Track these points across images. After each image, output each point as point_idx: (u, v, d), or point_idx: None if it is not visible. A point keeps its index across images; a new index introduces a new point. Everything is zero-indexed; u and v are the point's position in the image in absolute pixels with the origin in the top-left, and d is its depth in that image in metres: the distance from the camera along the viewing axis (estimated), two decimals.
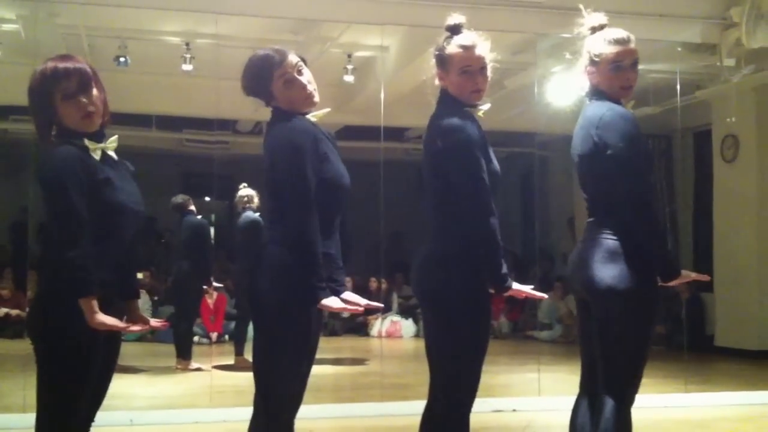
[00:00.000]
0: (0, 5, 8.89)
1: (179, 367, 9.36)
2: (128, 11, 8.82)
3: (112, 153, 3.37)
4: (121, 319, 3.36)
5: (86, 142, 3.27)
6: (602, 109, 3.75)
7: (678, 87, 9.16)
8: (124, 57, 9.70)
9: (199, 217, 9.64)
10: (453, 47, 3.70)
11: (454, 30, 3.73)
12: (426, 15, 8.18)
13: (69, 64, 3.27)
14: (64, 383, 3.16)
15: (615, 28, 3.89)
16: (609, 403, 3.66)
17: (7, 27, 9.18)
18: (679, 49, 9.37)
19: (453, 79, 3.70)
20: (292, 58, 3.59)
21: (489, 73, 3.74)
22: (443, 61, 3.73)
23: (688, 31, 9.28)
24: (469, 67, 3.67)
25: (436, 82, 3.79)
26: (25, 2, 8.49)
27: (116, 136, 3.40)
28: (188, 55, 9.70)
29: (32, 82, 3.28)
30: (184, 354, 9.45)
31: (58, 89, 3.23)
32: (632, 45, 3.84)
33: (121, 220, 3.28)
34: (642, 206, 3.66)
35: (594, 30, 3.92)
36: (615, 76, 3.80)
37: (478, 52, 3.68)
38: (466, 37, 3.70)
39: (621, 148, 3.63)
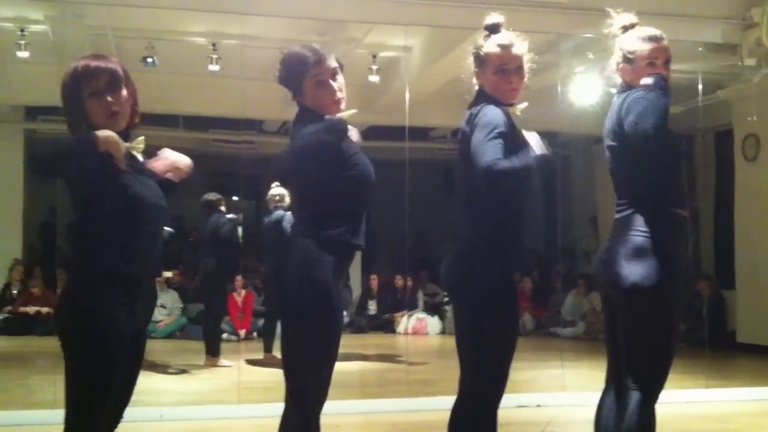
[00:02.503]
0: (28, 6, 9.00)
1: (208, 363, 9.46)
2: (155, 12, 8.91)
3: (137, 154, 3.41)
4: (147, 317, 3.43)
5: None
6: (629, 100, 3.70)
7: (699, 87, 9.18)
8: (152, 57, 9.80)
9: (229, 216, 9.72)
10: (490, 46, 3.76)
11: (493, 29, 3.79)
12: (450, 15, 8.23)
13: (101, 63, 3.33)
14: (91, 379, 3.19)
15: (646, 27, 3.93)
16: (634, 398, 3.70)
17: (35, 28, 9.28)
18: (700, 49, 9.38)
19: (489, 77, 3.76)
20: (331, 62, 3.67)
21: (525, 72, 3.80)
22: (480, 59, 3.79)
23: (709, 31, 9.30)
24: (506, 65, 3.72)
25: (474, 80, 3.85)
26: (52, 3, 8.60)
27: (143, 138, 3.45)
28: (215, 56, 9.79)
29: (64, 78, 3.34)
30: (212, 351, 9.54)
31: (87, 86, 3.28)
32: (666, 43, 3.87)
33: (142, 214, 3.30)
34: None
35: (626, 29, 3.96)
36: (650, 74, 3.80)
37: (515, 51, 3.74)
38: (503, 37, 3.76)
39: (649, 123, 3.51)
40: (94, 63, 3.33)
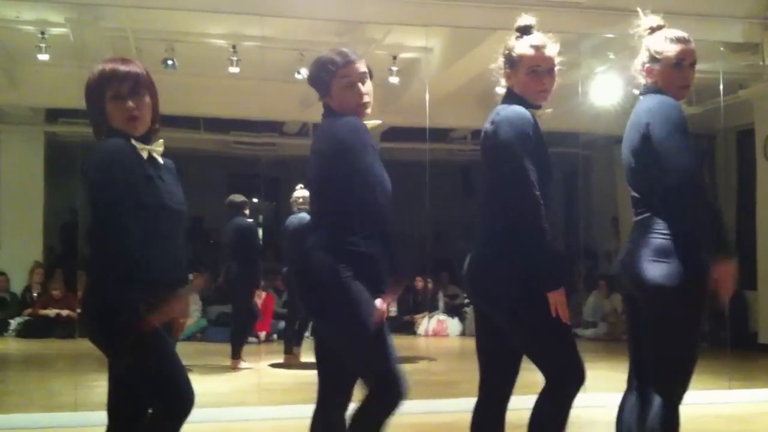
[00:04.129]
0: (48, 9, 9.05)
1: (232, 366, 9.48)
2: (175, 14, 8.93)
3: (157, 156, 3.45)
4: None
5: (133, 141, 3.36)
6: (654, 100, 3.77)
7: (721, 87, 9.15)
8: (172, 59, 9.83)
9: (250, 220, 9.73)
10: (523, 47, 3.77)
11: (525, 30, 3.82)
12: (469, 16, 8.23)
13: (125, 67, 3.37)
14: (153, 368, 3.28)
15: (673, 29, 3.94)
16: (658, 401, 3.70)
17: (55, 31, 9.32)
18: (722, 48, 9.35)
19: (521, 78, 3.77)
20: (360, 66, 3.73)
21: (556, 74, 3.81)
22: (512, 60, 3.80)
23: (730, 30, 9.26)
24: (538, 67, 3.74)
25: (502, 81, 3.87)
26: (73, 6, 8.63)
27: (162, 141, 3.50)
28: (234, 58, 9.80)
29: (89, 79, 3.39)
30: (235, 353, 9.59)
31: (109, 89, 3.33)
32: (692, 45, 3.89)
33: (162, 219, 3.32)
34: (692, 193, 3.64)
35: (653, 30, 3.97)
36: (676, 75, 3.85)
37: (548, 52, 3.76)
38: (536, 38, 3.78)
39: (669, 134, 3.62)
40: (119, 66, 3.37)
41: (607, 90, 10.02)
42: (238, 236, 9.61)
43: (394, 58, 10.25)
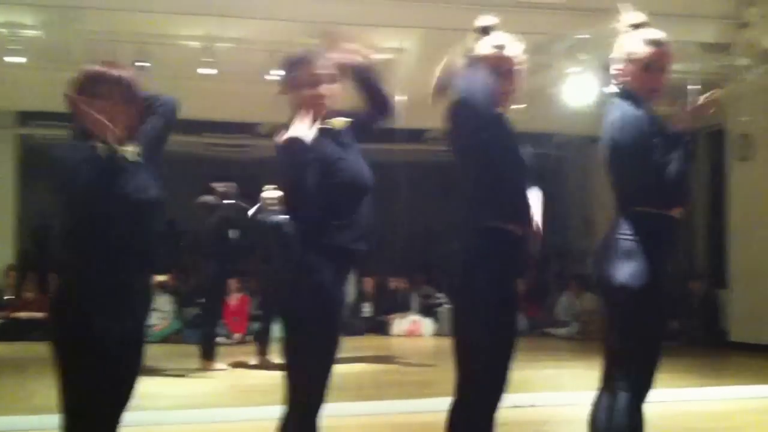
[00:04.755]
0: (23, 12, 9.01)
1: (203, 367, 9.47)
2: (147, 16, 8.91)
3: (132, 158, 3.36)
4: (143, 312, 3.48)
5: (100, 144, 3.26)
6: (618, 112, 3.77)
7: (692, 87, 9.20)
8: (145, 62, 9.78)
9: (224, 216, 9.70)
10: (482, 49, 3.71)
11: (484, 31, 3.75)
12: (443, 17, 8.25)
13: (107, 72, 3.34)
14: (85, 384, 3.21)
15: (653, 28, 3.88)
16: (623, 398, 3.73)
17: (29, 33, 9.27)
18: (693, 48, 9.42)
19: None
20: (317, 68, 3.70)
21: (522, 73, 3.75)
22: (472, 63, 3.72)
23: (702, 30, 9.33)
24: (498, 69, 3.65)
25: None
26: (46, 8, 8.60)
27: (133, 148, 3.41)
28: (207, 60, 9.78)
29: (72, 82, 3.34)
30: (208, 355, 9.56)
31: (90, 99, 3.28)
32: (668, 48, 3.83)
33: (132, 215, 3.29)
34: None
35: (635, 27, 3.90)
36: (646, 77, 3.81)
37: (507, 54, 3.70)
38: (495, 39, 3.72)
39: (633, 152, 3.68)
40: (100, 71, 3.34)
41: (580, 90, 10.07)
42: (213, 236, 9.59)
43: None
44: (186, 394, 8.14)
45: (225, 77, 9.64)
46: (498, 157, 3.63)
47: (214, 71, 9.82)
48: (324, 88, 3.70)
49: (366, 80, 3.89)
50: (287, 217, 3.66)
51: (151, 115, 3.60)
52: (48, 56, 8.99)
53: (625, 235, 3.77)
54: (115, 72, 3.36)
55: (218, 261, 9.60)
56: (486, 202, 3.65)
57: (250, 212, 9.18)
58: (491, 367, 3.67)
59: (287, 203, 3.72)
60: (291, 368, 3.59)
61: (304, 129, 3.53)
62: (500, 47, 3.70)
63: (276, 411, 3.58)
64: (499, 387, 3.68)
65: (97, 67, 3.37)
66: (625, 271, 3.70)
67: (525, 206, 3.77)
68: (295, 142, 3.50)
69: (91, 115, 3.26)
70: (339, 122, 3.75)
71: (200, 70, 9.76)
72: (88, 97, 3.29)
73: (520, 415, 6.78)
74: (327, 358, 3.62)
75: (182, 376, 9.24)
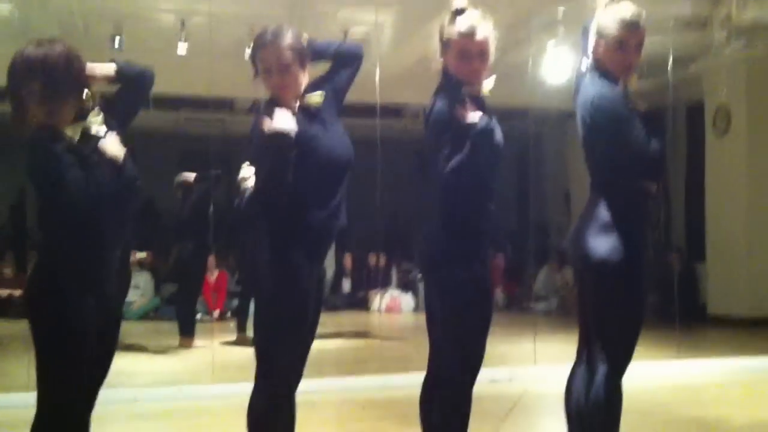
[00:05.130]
0: None
1: (182, 344, 9.46)
2: None
3: (95, 130, 3.33)
4: (119, 290, 3.47)
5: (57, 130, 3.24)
6: (593, 89, 3.76)
7: (670, 61, 9.23)
8: (120, 37, 9.69)
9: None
10: (452, 31, 3.70)
11: (457, 12, 3.72)
12: None
13: (35, 57, 3.21)
14: (61, 364, 3.19)
15: (629, 4, 3.84)
16: (601, 371, 3.74)
17: (2, 9, 9.17)
18: (671, 23, 9.41)
19: (451, 61, 3.73)
20: (268, 56, 3.62)
21: (491, 53, 3.74)
22: (443, 42, 3.75)
23: (679, 5, 9.32)
24: (468, 50, 3.67)
25: (438, 56, 3.81)
26: None
27: (96, 109, 3.36)
28: (183, 34, 9.70)
29: (7, 71, 3.25)
30: (186, 331, 9.55)
31: (23, 86, 3.21)
32: (641, 26, 3.80)
33: (105, 195, 3.24)
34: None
35: (609, 3, 3.87)
36: (618, 55, 3.78)
37: (477, 36, 3.67)
38: (466, 20, 3.69)
39: (609, 129, 3.69)
40: (31, 58, 3.22)
41: (558, 65, 10.06)
42: (191, 212, 9.56)
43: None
44: (165, 371, 8.17)
45: (201, 52, 9.55)
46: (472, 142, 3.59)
47: (188, 46, 9.74)
48: (284, 77, 3.63)
49: (321, 53, 3.86)
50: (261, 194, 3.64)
51: (124, 87, 3.56)
52: (20, 33, 8.87)
53: (603, 210, 3.77)
54: (41, 51, 3.23)
55: (197, 238, 9.57)
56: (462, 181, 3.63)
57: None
58: (465, 341, 3.68)
59: (263, 186, 3.68)
60: (262, 346, 3.59)
61: (287, 119, 3.48)
62: (470, 31, 3.67)
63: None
64: (475, 361, 3.70)
65: (25, 49, 3.25)
66: (605, 246, 3.71)
67: (494, 185, 3.78)
68: (280, 136, 3.46)
69: (39, 112, 3.21)
70: (315, 98, 3.69)
71: (179, 46, 9.69)
72: (22, 80, 3.21)
73: (499, 389, 6.83)
74: (299, 336, 3.61)
75: (161, 352, 9.27)
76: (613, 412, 3.75)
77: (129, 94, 3.57)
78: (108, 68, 3.51)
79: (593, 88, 3.77)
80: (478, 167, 3.57)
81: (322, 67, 3.88)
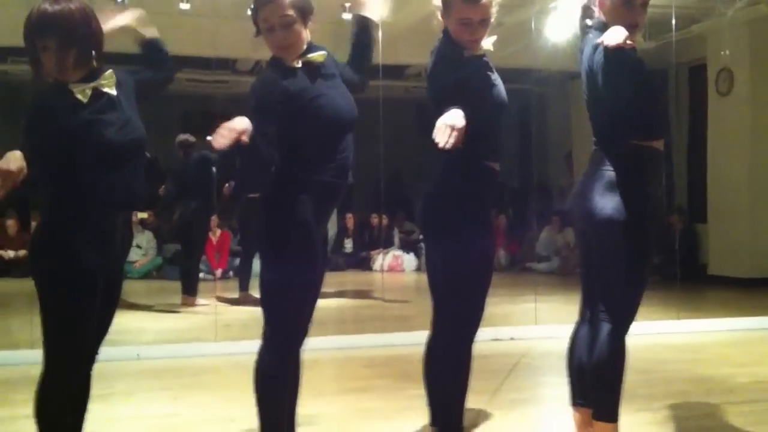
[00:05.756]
0: None
1: (184, 303, 9.49)
2: None
3: (108, 89, 3.33)
4: (121, 249, 3.49)
5: (70, 86, 3.25)
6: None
7: (673, 21, 9.18)
8: None
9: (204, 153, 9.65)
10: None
11: None
12: None
13: (51, 13, 3.19)
14: (66, 319, 3.21)
15: None
16: (605, 329, 3.75)
17: None
18: None
19: (452, 26, 3.71)
20: (270, 14, 3.57)
21: (493, 16, 3.70)
22: (446, 5, 3.71)
23: None
24: (468, 19, 3.65)
25: (439, 16, 3.78)
26: None
27: (111, 71, 3.35)
28: None
29: (24, 27, 3.23)
30: (189, 290, 9.57)
31: (38, 42, 3.20)
32: None
33: (109, 157, 3.25)
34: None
35: None
36: (624, 13, 3.73)
37: (480, 3, 3.64)
38: None
39: (616, 81, 3.56)
40: (46, 12, 3.20)
41: (562, 25, 10.00)
42: (194, 172, 9.56)
43: None
44: (167, 329, 8.20)
45: (203, 11, 9.50)
46: (474, 98, 3.58)
47: (190, 5, 9.68)
48: (286, 35, 3.59)
49: (363, 34, 3.86)
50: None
51: (149, 68, 3.61)
52: None
53: (608, 168, 3.76)
54: (57, 7, 3.21)
55: (200, 198, 9.57)
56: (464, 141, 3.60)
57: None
58: (467, 300, 3.71)
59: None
60: (271, 303, 3.58)
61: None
62: (471, 2, 3.65)
63: (255, 345, 3.60)
64: (474, 321, 3.73)
65: (42, 4, 3.22)
66: (612, 204, 3.70)
67: (499, 145, 3.79)
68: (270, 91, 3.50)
69: (51, 63, 3.21)
70: (319, 56, 3.68)
71: (181, 6, 9.63)
72: (38, 37, 3.21)
73: (500, 348, 6.87)
74: (306, 293, 3.62)
75: (163, 311, 9.29)
76: (616, 369, 3.76)
77: (151, 78, 3.62)
78: (148, 28, 3.60)
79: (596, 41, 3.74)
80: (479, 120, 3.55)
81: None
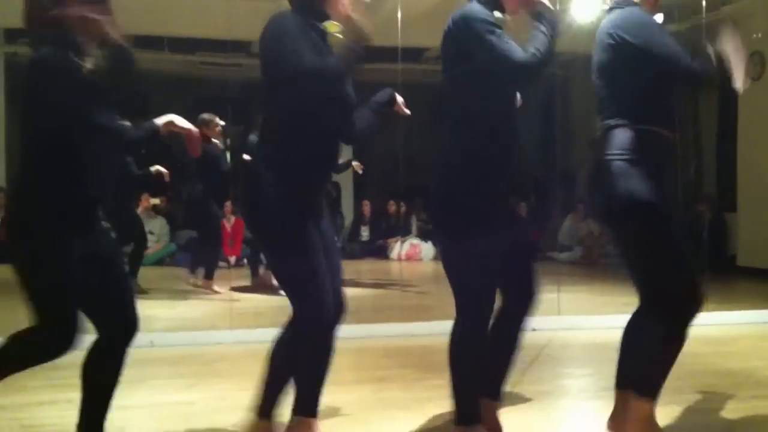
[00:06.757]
0: None
1: (204, 286, 9.43)
2: None
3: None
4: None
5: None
6: (622, 12, 3.70)
7: (703, 3, 9.01)
8: None
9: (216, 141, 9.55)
10: None
11: None
12: None
13: None
14: (49, 303, 3.20)
15: None
16: (657, 316, 3.68)
17: None
18: None
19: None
20: None
21: None
22: None
23: None
24: None
25: None
26: None
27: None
28: None
29: None
30: (208, 274, 9.50)
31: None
32: None
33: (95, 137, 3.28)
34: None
35: None
36: None
37: None
38: None
39: (643, 38, 3.59)
40: None
41: (586, 8, 9.86)
42: (204, 157, 9.44)
43: None
44: (181, 317, 8.17)
45: None
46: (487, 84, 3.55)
47: None
48: None
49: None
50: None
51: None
52: None
53: (622, 151, 3.70)
54: None
55: (209, 181, 9.44)
56: (478, 126, 3.60)
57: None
58: (486, 290, 3.64)
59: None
60: (287, 283, 3.59)
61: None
62: None
63: (270, 333, 3.58)
64: (488, 311, 3.69)
65: None
66: (631, 188, 3.59)
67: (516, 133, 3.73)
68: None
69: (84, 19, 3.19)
70: (332, 26, 3.62)
71: None
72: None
73: (522, 338, 6.71)
74: (315, 263, 3.57)
75: (176, 298, 9.27)
76: (668, 356, 3.69)
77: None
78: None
79: (619, 12, 3.69)
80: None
81: None
